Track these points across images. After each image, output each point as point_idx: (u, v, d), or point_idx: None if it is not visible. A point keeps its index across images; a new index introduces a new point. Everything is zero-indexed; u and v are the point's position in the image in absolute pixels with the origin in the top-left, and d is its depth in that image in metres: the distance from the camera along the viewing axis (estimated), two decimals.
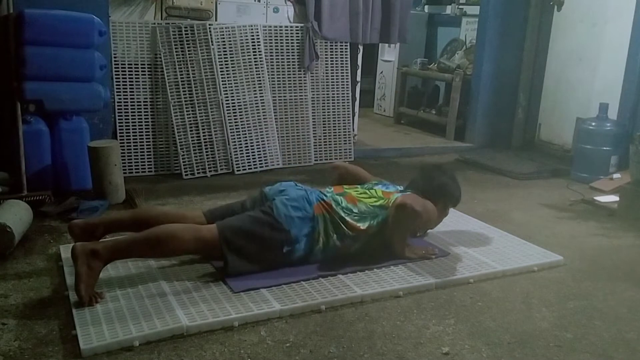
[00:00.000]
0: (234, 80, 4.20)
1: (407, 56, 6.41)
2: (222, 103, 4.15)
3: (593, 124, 4.27)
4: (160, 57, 4.00)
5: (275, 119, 4.37)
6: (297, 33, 4.44)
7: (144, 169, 4.04)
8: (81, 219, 2.60)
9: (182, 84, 4.05)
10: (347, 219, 2.54)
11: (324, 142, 4.62)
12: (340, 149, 4.67)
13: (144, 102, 4.02)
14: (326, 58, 4.58)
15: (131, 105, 3.99)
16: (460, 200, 2.88)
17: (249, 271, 2.38)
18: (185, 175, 4.04)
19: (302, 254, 2.50)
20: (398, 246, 2.63)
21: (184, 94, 4.06)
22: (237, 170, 4.19)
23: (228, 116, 4.16)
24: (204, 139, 4.11)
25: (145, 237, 2.28)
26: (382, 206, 2.62)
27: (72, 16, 3.24)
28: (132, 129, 3.99)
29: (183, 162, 4.05)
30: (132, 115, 3.99)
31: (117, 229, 2.53)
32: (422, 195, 2.67)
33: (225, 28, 4.17)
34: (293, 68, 4.45)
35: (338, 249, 2.55)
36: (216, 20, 4.22)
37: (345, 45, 4.66)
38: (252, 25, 4.26)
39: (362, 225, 2.56)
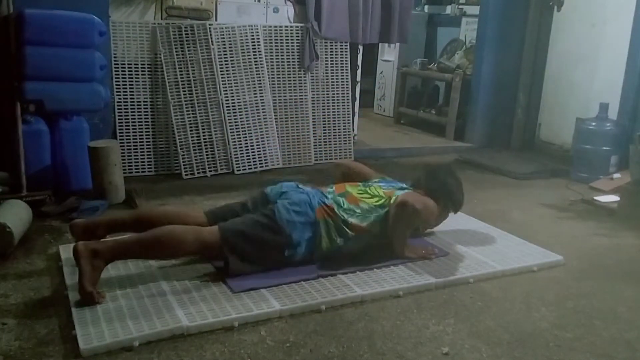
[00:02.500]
0: (234, 80, 4.20)
1: (407, 56, 6.42)
2: (222, 103, 4.15)
3: (593, 123, 4.27)
4: (160, 57, 4.00)
5: (275, 119, 4.37)
6: (297, 33, 4.44)
7: (144, 168, 4.03)
8: (82, 219, 2.61)
9: (182, 84, 4.05)
10: (350, 220, 2.55)
11: (324, 142, 4.62)
12: (340, 149, 4.67)
13: (144, 102, 4.02)
14: (326, 58, 4.58)
15: (131, 105, 3.98)
16: (462, 205, 2.91)
17: (250, 272, 2.39)
18: (185, 175, 4.04)
19: (303, 257, 2.50)
20: (398, 246, 2.63)
21: (184, 94, 4.06)
22: (237, 170, 4.19)
23: (228, 116, 4.16)
24: (204, 139, 4.11)
25: (147, 239, 2.28)
26: (383, 205, 2.63)
27: (72, 16, 3.23)
28: (132, 128, 3.99)
29: (183, 162, 4.05)
30: (132, 115, 3.99)
31: (119, 229, 2.52)
32: (424, 194, 2.70)
33: (225, 28, 4.17)
34: (293, 68, 4.45)
35: (341, 250, 2.56)
36: (216, 20, 4.22)
37: (345, 45, 4.66)
38: (252, 25, 4.26)
39: (365, 224, 2.57)
